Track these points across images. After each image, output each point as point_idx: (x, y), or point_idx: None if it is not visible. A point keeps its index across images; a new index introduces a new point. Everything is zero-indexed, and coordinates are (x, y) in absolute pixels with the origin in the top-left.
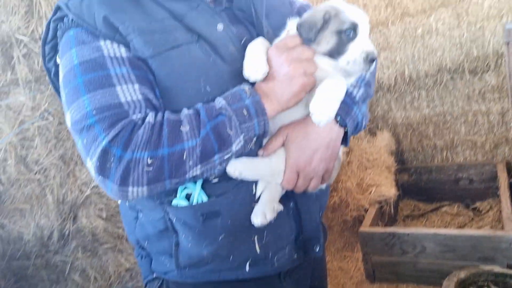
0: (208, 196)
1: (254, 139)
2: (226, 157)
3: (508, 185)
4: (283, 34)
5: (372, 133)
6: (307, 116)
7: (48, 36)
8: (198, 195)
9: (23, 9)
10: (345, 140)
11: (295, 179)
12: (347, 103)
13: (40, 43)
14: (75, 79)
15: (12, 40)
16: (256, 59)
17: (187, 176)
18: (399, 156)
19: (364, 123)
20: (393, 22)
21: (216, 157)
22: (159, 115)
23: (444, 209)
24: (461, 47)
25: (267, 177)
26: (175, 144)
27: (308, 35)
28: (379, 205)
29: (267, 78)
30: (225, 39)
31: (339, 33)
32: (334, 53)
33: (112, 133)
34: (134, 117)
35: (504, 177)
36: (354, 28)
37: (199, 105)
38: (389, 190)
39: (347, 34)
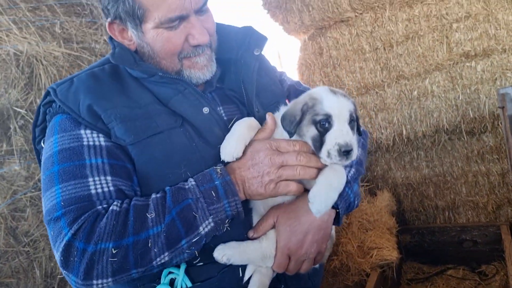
0: (192, 281)
1: (227, 221)
2: (194, 240)
3: None
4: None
5: (372, 193)
6: (298, 198)
7: (38, 119)
8: (182, 281)
9: (23, 81)
10: (337, 220)
11: (287, 262)
12: None
13: None
14: (52, 166)
15: (10, 112)
16: (233, 143)
17: (154, 263)
18: (400, 216)
19: (356, 202)
20: (389, 84)
21: (184, 241)
22: (126, 201)
23: (449, 272)
24: (457, 109)
25: (257, 261)
26: (141, 232)
27: (289, 129)
28: (381, 269)
29: (244, 167)
30: (211, 122)
31: (315, 124)
32: (316, 144)
33: (75, 227)
34: (99, 207)
35: (508, 239)
36: (327, 119)
37: (167, 188)
38: (391, 253)
39: (322, 125)
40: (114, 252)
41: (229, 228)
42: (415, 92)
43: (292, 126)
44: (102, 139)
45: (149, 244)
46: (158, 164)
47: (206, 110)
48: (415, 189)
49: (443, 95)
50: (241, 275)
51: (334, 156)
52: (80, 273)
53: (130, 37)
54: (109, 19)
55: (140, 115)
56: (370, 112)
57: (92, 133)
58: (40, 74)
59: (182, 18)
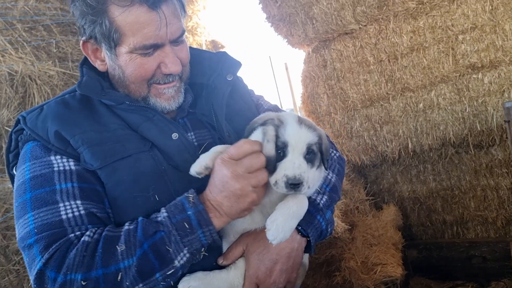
0: None
1: (203, 249)
2: (169, 272)
3: None
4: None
5: (378, 207)
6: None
7: (11, 146)
8: None
9: (16, 101)
10: (308, 248)
11: None
12: (310, 212)
13: None
14: (24, 194)
15: (2, 132)
16: (200, 159)
17: None
18: (407, 231)
19: (329, 230)
20: (394, 97)
21: (158, 275)
22: (98, 232)
23: None
24: (464, 122)
25: None
26: (110, 265)
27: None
28: (386, 286)
29: (215, 189)
30: (179, 148)
31: (276, 146)
32: (270, 167)
33: (47, 255)
34: (71, 235)
35: None
36: (284, 147)
37: (139, 220)
38: (396, 270)
39: (278, 151)
40: (83, 284)
41: (206, 254)
42: (421, 105)
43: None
44: (72, 163)
45: (119, 277)
46: (126, 187)
47: (175, 136)
48: (422, 203)
49: (449, 108)
50: None
51: (281, 187)
52: None
53: (103, 57)
54: (83, 38)
55: (108, 139)
56: (375, 125)
57: (62, 158)
58: (33, 94)
59: (156, 47)
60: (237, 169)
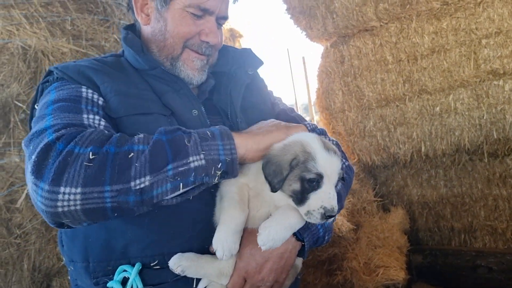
0: (145, 283)
1: (220, 168)
2: (182, 169)
3: None
4: None
5: (386, 209)
6: None
7: (36, 99)
8: (133, 281)
9: (28, 76)
10: (302, 253)
11: (242, 285)
12: None
13: None
14: (46, 109)
15: (11, 105)
16: (231, 238)
17: (131, 184)
18: (413, 235)
19: (326, 238)
20: (410, 98)
21: (170, 166)
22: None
23: None
24: (481, 129)
25: (212, 277)
26: (124, 145)
27: (274, 183)
28: None
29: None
30: (196, 123)
31: (303, 180)
32: (296, 199)
33: (62, 131)
34: (87, 127)
35: None
36: (318, 179)
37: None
38: (398, 274)
39: (311, 183)
40: (91, 157)
41: (219, 182)
42: (438, 108)
43: (277, 181)
44: (101, 99)
45: (131, 156)
46: None
47: (195, 112)
48: (431, 208)
49: (466, 113)
50: (194, 285)
51: (314, 218)
52: (50, 176)
53: (149, 12)
54: None
55: (134, 94)
56: (389, 125)
57: (93, 92)
58: (45, 70)
59: (207, 13)
60: None
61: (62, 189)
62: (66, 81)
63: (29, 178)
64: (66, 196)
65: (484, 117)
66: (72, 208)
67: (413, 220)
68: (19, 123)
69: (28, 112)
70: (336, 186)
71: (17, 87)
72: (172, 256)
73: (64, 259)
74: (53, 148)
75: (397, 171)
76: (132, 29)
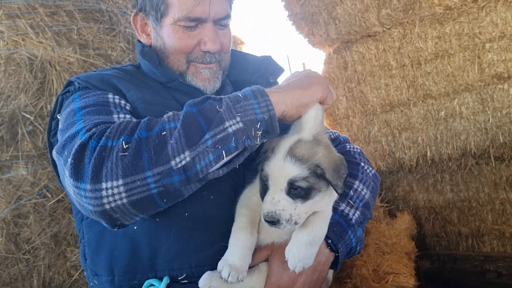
0: None
1: (259, 133)
2: (220, 136)
3: None
4: None
5: (392, 215)
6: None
7: (56, 110)
8: None
9: (35, 86)
10: (335, 264)
11: None
12: (342, 226)
13: (47, 119)
14: (74, 116)
15: (19, 117)
16: (238, 261)
17: (172, 163)
18: (420, 240)
19: (358, 248)
20: (415, 103)
21: (207, 136)
22: None
23: None
24: (487, 133)
25: None
26: (153, 127)
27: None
28: None
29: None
30: None
31: (260, 179)
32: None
33: (93, 130)
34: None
35: None
36: (266, 179)
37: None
38: (408, 280)
39: (262, 182)
40: (125, 147)
41: (263, 142)
42: (442, 113)
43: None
44: (128, 106)
45: (164, 134)
46: None
47: None
48: (438, 213)
49: (472, 117)
50: None
51: (263, 220)
52: (90, 175)
53: (149, 31)
54: (135, 10)
55: (160, 102)
56: (394, 131)
57: (120, 98)
58: (52, 80)
59: (199, 21)
60: None
61: (104, 185)
62: (90, 89)
63: (69, 183)
64: (110, 191)
65: (490, 121)
66: (119, 202)
67: (419, 226)
68: (26, 135)
69: (36, 124)
70: (301, 198)
71: (24, 98)
72: (200, 268)
73: (85, 273)
74: (87, 147)
75: (403, 176)
76: None
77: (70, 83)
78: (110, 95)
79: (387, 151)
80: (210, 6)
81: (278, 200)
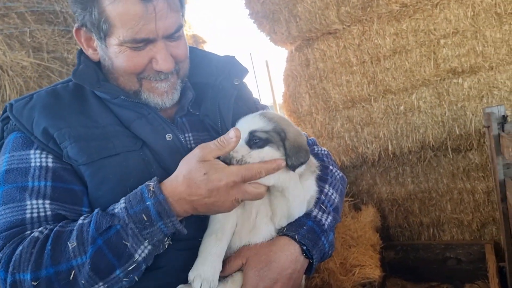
0: None
1: (166, 239)
2: (131, 268)
3: (497, 269)
4: None
5: (357, 208)
6: (271, 240)
7: None
8: None
9: None
10: (309, 270)
11: None
12: (316, 232)
13: None
14: None
15: None
16: (209, 269)
17: None
18: (384, 232)
19: (330, 252)
20: (375, 98)
21: (118, 271)
22: (51, 227)
23: None
24: (444, 126)
25: None
26: (60, 262)
27: None
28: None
29: (200, 196)
30: (172, 150)
31: None
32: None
33: (0, 255)
34: (27, 233)
35: (492, 259)
36: None
37: (94, 212)
38: (374, 272)
39: None
40: (34, 284)
41: (170, 243)
42: (402, 107)
43: None
44: (50, 159)
45: (73, 275)
46: (111, 187)
47: (169, 136)
48: (400, 205)
49: (429, 111)
50: None
51: None
52: None
53: (95, 47)
54: (76, 25)
55: (96, 135)
56: (356, 126)
57: (41, 153)
58: (5, 86)
59: (148, 41)
60: (241, 188)
61: None
62: (21, 133)
63: None
64: None
65: (446, 114)
66: None
67: (383, 217)
68: None
69: None
70: (257, 147)
71: None
72: (167, 286)
73: None
74: None
75: (366, 170)
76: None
77: (6, 109)
78: (32, 155)
79: (350, 146)
80: (157, 24)
81: (237, 148)
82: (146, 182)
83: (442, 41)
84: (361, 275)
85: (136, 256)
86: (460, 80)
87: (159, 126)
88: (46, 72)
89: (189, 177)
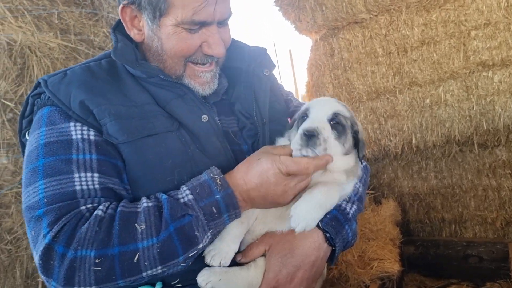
0: None
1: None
2: (192, 254)
3: None
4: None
5: (377, 201)
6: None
7: (26, 111)
8: None
9: (14, 72)
10: (331, 258)
11: None
12: (339, 220)
13: None
14: (37, 160)
15: None
16: (225, 248)
17: (143, 274)
18: (404, 226)
19: (353, 242)
20: (400, 90)
21: (181, 258)
22: (112, 206)
23: (452, 287)
24: (471, 120)
25: None
26: (128, 243)
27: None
28: (381, 281)
29: (254, 190)
30: (208, 131)
31: (299, 120)
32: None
33: (56, 228)
34: (83, 208)
35: None
36: (306, 111)
37: (162, 197)
38: (393, 266)
39: (302, 118)
40: (97, 261)
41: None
42: (428, 100)
43: (290, 134)
44: (92, 133)
45: (137, 257)
46: (150, 166)
47: (205, 118)
48: (422, 200)
49: (456, 105)
50: None
51: (296, 143)
52: (61, 279)
53: (141, 26)
54: (124, 2)
55: (136, 114)
56: (379, 118)
57: (82, 126)
58: (33, 66)
59: (204, 24)
60: (289, 183)
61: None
62: (56, 107)
63: (39, 270)
64: None
65: (474, 108)
66: None
67: (404, 212)
68: (6, 122)
69: (16, 111)
70: (340, 134)
71: (4, 85)
72: (194, 273)
73: None
74: (53, 250)
75: (388, 163)
76: (124, 29)
77: (39, 84)
78: (72, 128)
79: (373, 138)
80: (216, 7)
81: (319, 120)
82: (210, 174)
83: (473, 33)
84: (379, 269)
85: (201, 245)
86: (490, 74)
87: (195, 106)
88: (72, 54)
89: (247, 164)
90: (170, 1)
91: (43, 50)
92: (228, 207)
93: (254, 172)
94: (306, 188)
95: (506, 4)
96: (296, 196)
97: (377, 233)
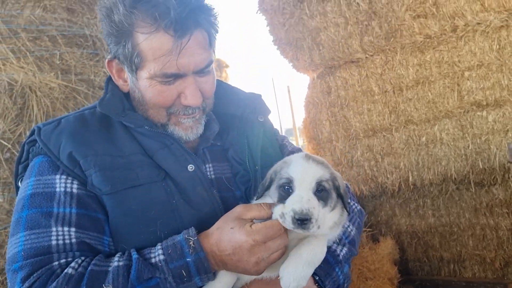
0: None
1: None
2: None
3: None
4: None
5: (375, 239)
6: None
7: (22, 156)
8: None
9: (14, 112)
10: None
11: None
12: (329, 263)
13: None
14: (22, 210)
15: None
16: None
17: None
18: (403, 265)
19: (346, 285)
20: (397, 128)
21: None
22: (84, 264)
23: None
24: (467, 159)
25: None
26: None
27: (258, 193)
28: None
29: (224, 251)
30: (194, 181)
31: (279, 187)
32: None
33: (27, 284)
34: (55, 264)
35: None
36: (289, 183)
37: (133, 257)
38: None
39: (284, 189)
40: None
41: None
42: (424, 138)
43: (260, 190)
44: (75, 186)
45: None
46: (133, 217)
47: (191, 167)
48: (420, 238)
49: (452, 143)
50: None
51: (287, 222)
52: None
53: (126, 78)
54: (109, 57)
55: (121, 165)
56: (376, 156)
57: (67, 179)
58: (32, 106)
59: (178, 76)
60: (263, 255)
61: None
62: (47, 158)
63: None
64: None
65: (470, 147)
66: None
67: (402, 250)
68: (3, 162)
69: (13, 151)
70: (323, 200)
71: (3, 125)
72: None
73: None
74: None
75: (385, 200)
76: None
77: (33, 132)
78: (57, 180)
79: (370, 175)
80: (189, 59)
81: (308, 198)
82: (185, 235)
83: (466, 73)
84: None
85: None
86: (484, 113)
87: (181, 156)
88: (72, 94)
89: (220, 231)
90: (142, 55)
91: (43, 90)
92: (199, 271)
93: (227, 241)
94: (286, 247)
95: (497, 46)
96: (278, 259)
97: (375, 272)
